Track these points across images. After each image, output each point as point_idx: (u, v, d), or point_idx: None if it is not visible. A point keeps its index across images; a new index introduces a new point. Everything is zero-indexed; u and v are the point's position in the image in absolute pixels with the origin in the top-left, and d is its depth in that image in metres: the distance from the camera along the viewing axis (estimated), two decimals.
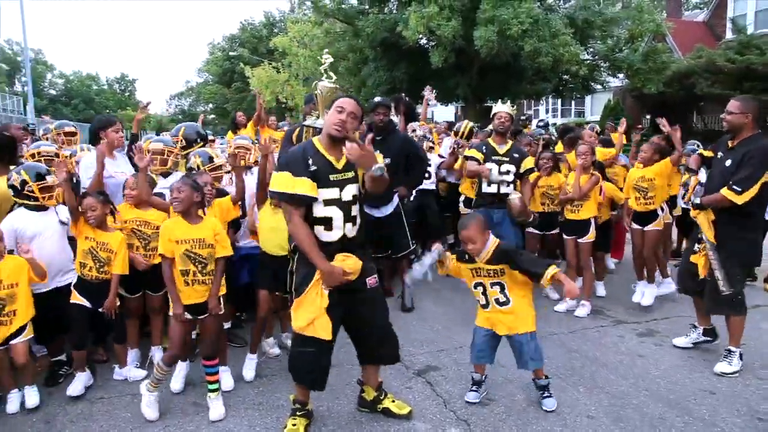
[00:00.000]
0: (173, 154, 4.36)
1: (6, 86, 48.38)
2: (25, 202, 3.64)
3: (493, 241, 3.25)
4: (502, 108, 5.12)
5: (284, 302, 3.79)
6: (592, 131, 7.70)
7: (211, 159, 4.21)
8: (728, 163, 3.77)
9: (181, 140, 4.66)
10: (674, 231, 6.53)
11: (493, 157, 5.03)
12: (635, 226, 5.13)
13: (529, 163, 5.15)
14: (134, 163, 4.27)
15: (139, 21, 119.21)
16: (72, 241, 3.74)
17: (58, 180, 3.51)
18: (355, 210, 2.97)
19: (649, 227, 5.03)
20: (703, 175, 4.19)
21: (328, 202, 2.89)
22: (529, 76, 17.23)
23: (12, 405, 3.40)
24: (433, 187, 6.21)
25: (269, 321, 4.07)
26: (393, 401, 3.29)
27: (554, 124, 15.29)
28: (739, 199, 3.62)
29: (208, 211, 3.68)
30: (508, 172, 5.03)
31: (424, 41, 16.62)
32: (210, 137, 7.03)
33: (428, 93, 7.56)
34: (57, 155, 4.42)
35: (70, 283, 3.65)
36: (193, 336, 3.91)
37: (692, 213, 4.02)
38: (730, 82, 15.47)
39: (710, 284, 3.84)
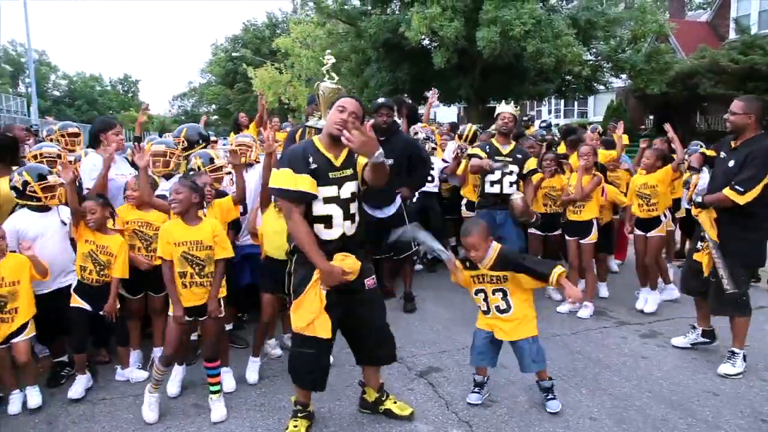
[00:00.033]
0: (175, 156, 4.35)
1: (10, 87, 48.59)
2: (28, 203, 3.64)
3: (495, 248, 3.24)
4: (505, 109, 5.12)
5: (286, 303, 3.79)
6: (594, 132, 7.69)
7: (211, 160, 4.21)
8: (731, 163, 3.76)
9: (183, 141, 4.66)
10: (677, 232, 6.52)
11: (497, 158, 5.02)
12: (638, 232, 5.11)
13: (532, 164, 5.14)
14: (134, 163, 4.28)
15: (142, 22, 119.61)
16: (73, 242, 3.74)
17: (64, 181, 3.51)
18: (353, 208, 2.97)
19: (652, 233, 5.02)
20: (705, 174, 4.18)
21: (327, 200, 2.89)
22: (532, 76, 17.21)
23: (14, 406, 3.41)
24: (436, 189, 6.20)
25: (272, 323, 4.06)
26: (395, 402, 3.28)
27: (557, 125, 15.27)
28: (742, 200, 3.61)
29: (208, 211, 3.68)
30: (511, 173, 5.02)
31: (426, 42, 16.62)
32: (212, 138, 7.03)
33: (432, 96, 7.57)
34: (59, 156, 4.41)
35: (72, 285, 3.65)
36: (194, 338, 3.91)
37: (694, 212, 4.01)
38: (734, 83, 15.44)
39: (715, 284, 3.82)
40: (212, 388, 3.36)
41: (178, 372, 3.62)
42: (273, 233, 3.67)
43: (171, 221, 3.42)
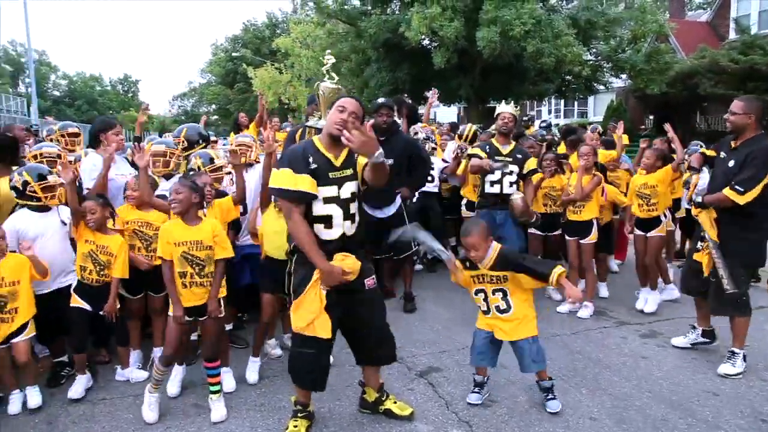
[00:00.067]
0: (175, 156, 4.35)
1: (10, 87, 48.60)
2: (28, 203, 3.64)
3: (495, 247, 3.24)
4: (505, 109, 5.11)
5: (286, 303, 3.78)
6: (594, 132, 7.69)
7: (211, 160, 4.20)
8: (731, 163, 3.76)
9: (183, 141, 4.66)
10: (677, 232, 6.52)
11: (497, 157, 5.02)
12: (638, 232, 5.11)
13: (532, 164, 5.14)
14: (134, 163, 4.28)
15: (142, 22, 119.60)
16: (74, 242, 3.74)
17: (65, 181, 3.51)
18: (353, 207, 2.97)
19: (652, 233, 5.02)
20: (705, 174, 4.18)
21: (327, 200, 2.89)
22: (532, 76, 17.21)
23: (14, 406, 3.41)
24: (437, 189, 6.21)
25: (272, 323, 4.06)
26: (395, 402, 3.28)
27: (557, 125, 15.27)
28: (742, 200, 3.61)
29: (208, 211, 3.68)
30: (511, 173, 5.02)
31: (426, 42, 16.62)
32: (212, 138, 7.03)
33: (432, 96, 7.57)
34: (59, 156, 4.41)
35: (72, 285, 3.65)
36: (195, 338, 3.91)
37: (694, 211, 4.01)
38: (734, 83, 15.45)
39: (715, 284, 3.82)
40: (212, 388, 3.35)
41: (178, 372, 3.62)
42: (273, 233, 3.67)
43: (171, 221, 3.42)
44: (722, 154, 3.92)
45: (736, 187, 3.63)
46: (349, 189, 2.93)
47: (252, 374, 3.74)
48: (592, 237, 5.06)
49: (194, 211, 3.33)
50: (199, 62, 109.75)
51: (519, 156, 5.08)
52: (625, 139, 7.94)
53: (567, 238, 5.24)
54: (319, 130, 3.71)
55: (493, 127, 5.49)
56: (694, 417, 3.26)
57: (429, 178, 5.87)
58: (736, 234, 3.75)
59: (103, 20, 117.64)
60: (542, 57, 14.16)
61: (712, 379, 3.74)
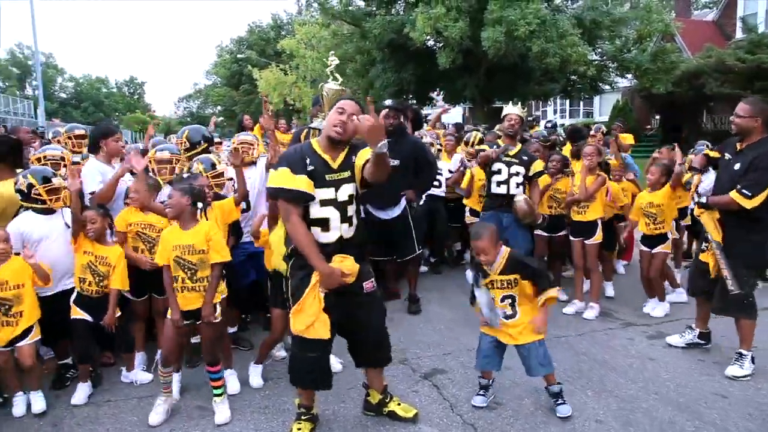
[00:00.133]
0: (180, 162, 4.34)
1: (17, 90, 48.93)
2: (33, 205, 3.65)
3: (504, 251, 3.24)
4: (512, 110, 5.08)
5: None
6: (598, 132, 7.65)
7: (213, 166, 4.15)
8: (737, 166, 3.73)
9: (185, 142, 4.65)
10: (684, 232, 6.47)
11: (503, 158, 5.00)
12: (643, 248, 5.03)
13: (538, 166, 5.10)
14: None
15: (148, 24, 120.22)
16: None
17: (71, 190, 3.50)
18: (351, 210, 2.94)
19: (658, 249, 4.94)
20: (711, 174, 4.14)
21: (324, 203, 2.87)
22: (537, 76, 17.17)
23: (18, 408, 3.41)
24: (443, 194, 6.22)
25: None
26: (399, 404, 3.27)
27: (562, 125, 15.22)
28: (749, 204, 3.59)
29: (208, 214, 3.64)
30: (517, 174, 5.00)
31: (431, 42, 16.61)
32: (217, 139, 7.03)
33: (443, 109, 7.59)
34: (63, 159, 4.43)
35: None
36: (197, 340, 3.90)
37: (696, 211, 3.98)
38: (741, 82, 15.36)
39: (720, 284, 3.80)
40: (215, 392, 3.35)
41: (175, 377, 3.61)
42: (282, 249, 3.65)
43: (171, 226, 3.43)
44: (727, 156, 3.89)
45: (744, 191, 3.60)
46: (346, 191, 2.91)
47: (255, 379, 3.72)
48: (597, 237, 5.03)
49: (188, 214, 3.30)
50: (204, 64, 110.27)
51: (525, 158, 5.05)
52: (631, 139, 7.91)
53: (571, 238, 5.21)
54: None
55: (498, 127, 5.47)
56: (701, 420, 3.23)
57: (436, 183, 5.87)
58: (741, 236, 3.73)
59: (109, 23, 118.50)
60: (547, 57, 14.12)
61: (720, 381, 3.70)
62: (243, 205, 4.21)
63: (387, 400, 3.26)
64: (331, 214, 2.87)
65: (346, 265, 2.87)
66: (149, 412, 3.31)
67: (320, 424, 3.19)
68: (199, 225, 3.33)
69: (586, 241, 5.06)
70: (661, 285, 5.12)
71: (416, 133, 6.22)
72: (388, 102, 5.16)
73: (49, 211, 3.68)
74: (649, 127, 20.34)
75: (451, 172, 6.31)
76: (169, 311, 3.31)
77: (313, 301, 2.83)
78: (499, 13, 13.73)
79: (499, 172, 4.99)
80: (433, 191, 5.86)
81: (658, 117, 20.42)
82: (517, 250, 3.52)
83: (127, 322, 3.82)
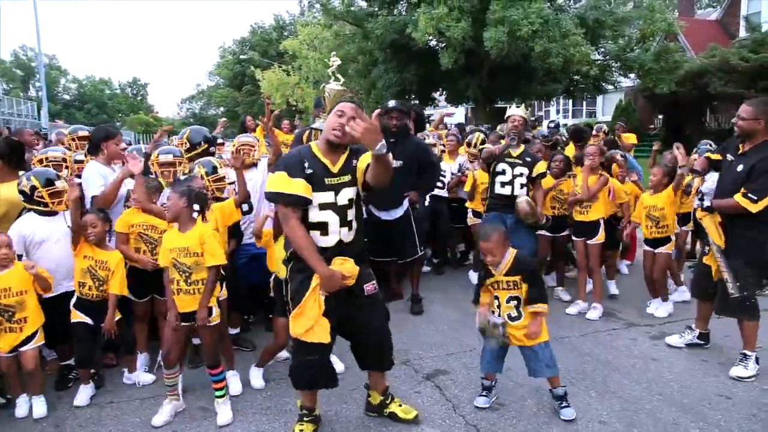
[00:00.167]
0: (183, 164, 4.33)
1: (21, 92, 49.13)
2: (35, 207, 3.65)
3: (511, 253, 3.23)
4: (516, 112, 5.05)
5: None
6: (599, 132, 7.62)
7: (215, 169, 4.14)
8: (740, 168, 3.71)
9: (185, 143, 4.65)
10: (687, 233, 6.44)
11: (507, 159, 4.98)
12: (646, 248, 5.02)
13: (541, 167, 5.08)
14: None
15: (151, 25, 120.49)
16: None
17: (69, 199, 3.49)
18: (351, 214, 2.92)
19: (660, 249, 4.91)
20: (714, 175, 4.12)
21: (323, 207, 2.85)
22: (540, 76, 17.13)
23: (21, 409, 3.42)
24: (446, 194, 6.23)
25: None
26: (399, 406, 3.25)
27: (565, 125, 15.19)
28: (755, 208, 3.58)
29: (208, 215, 3.64)
30: (521, 175, 4.99)
31: (433, 43, 16.60)
32: (219, 140, 7.04)
33: (445, 112, 7.55)
34: (64, 160, 4.43)
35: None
36: (197, 341, 3.89)
37: (698, 214, 3.96)
38: (744, 81, 15.31)
39: (721, 286, 3.79)
40: (217, 393, 3.35)
41: None
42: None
43: (172, 229, 3.43)
44: (729, 157, 3.87)
45: (750, 195, 3.58)
46: (346, 195, 2.89)
47: (256, 381, 3.71)
48: (600, 237, 5.01)
49: (186, 217, 3.29)
50: (207, 65, 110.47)
51: (528, 159, 5.03)
52: (634, 139, 7.89)
53: (574, 238, 5.19)
54: None
55: (500, 127, 5.46)
56: (705, 421, 3.21)
57: (439, 183, 5.86)
58: (741, 235, 3.71)
59: (112, 24, 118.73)
60: (550, 57, 14.09)
61: (724, 382, 3.68)
62: (245, 207, 4.21)
63: (387, 402, 3.25)
64: (330, 218, 2.86)
65: (346, 267, 2.85)
66: (152, 414, 3.32)
67: (323, 424, 3.18)
68: (195, 228, 3.31)
69: (588, 241, 5.05)
70: (665, 285, 5.10)
71: (419, 134, 6.22)
72: (392, 103, 5.14)
73: (51, 213, 3.68)
74: (652, 126, 20.27)
75: (453, 173, 6.30)
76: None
77: (313, 304, 2.82)
78: (502, 13, 13.71)
79: (503, 172, 4.98)
80: (436, 192, 5.86)
81: (661, 117, 20.36)
82: (520, 250, 3.50)
83: (127, 324, 3.82)
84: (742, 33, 19.06)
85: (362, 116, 2.63)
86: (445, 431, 3.16)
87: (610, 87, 18.91)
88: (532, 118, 11.47)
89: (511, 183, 4.96)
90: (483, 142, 6.52)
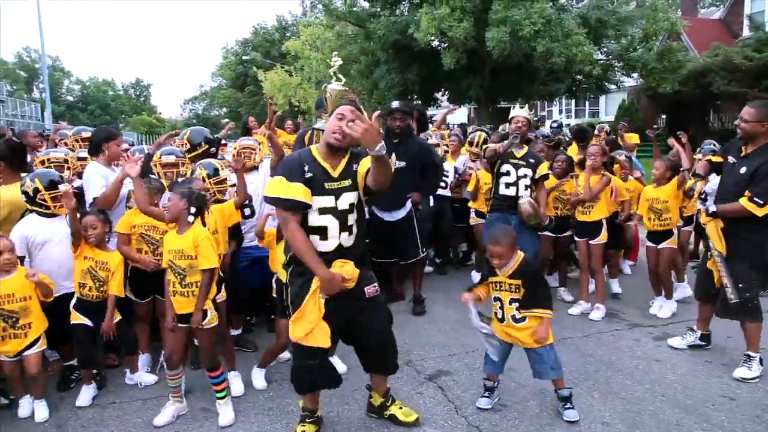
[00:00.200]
0: (185, 165, 4.33)
1: (24, 93, 49.26)
2: (37, 209, 3.66)
3: (518, 256, 3.22)
4: (519, 112, 5.04)
5: None
6: (602, 131, 7.59)
7: (216, 171, 4.11)
8: (743, 170, 3.69)
9: (186, 144, 4.65)
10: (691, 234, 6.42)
11: (510, 160, 4.97)
12: (649, 243, 5.00)
13: (544, 168, 5.07)
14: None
15: (154, 27, 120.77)
16: None
17: (67, 208, 3.47)
18: (351, 219, 2.91)
19: (664, 244, 4.90)
20: (717, 178, 4.10)
21: (323, 211, 2.84)
22: (542, 76, 17.10)
23: (23, 409, 3.42)
24: (449, 194, 6.22)
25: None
26: (400, 408, 3.24)
27: (568, 125, 15.16)
28: (761, 212, 3.56)
29: (207, 217, 3.63)
30: (525, 176, 4.98)
31: (435, 43, 16.57)
32: (222, 142, 7.03)
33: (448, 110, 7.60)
34: (66, 161, 4.44)
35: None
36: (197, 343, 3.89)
37: (702, 220, 3.94)
38: (748, 80, 15.27)
39: (723, 290, 3.78)
40: (218, 395, 3.35)
41: None
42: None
43: (172, 229, 3.43)
44: (731, 159, 3.85)
45: (756, 199, 3.56)
46: (347, 200, 2.88)
47: (258, 381, 3.71)
48: (602, 237, 5.00)
49: (184, 218, 3.27)
50: (210, 66, 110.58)
51: (532, 160, 5.02)
52: (636, 139, 7.87)
53: (576, 239, 5.18)
54: None
55: (502, 127, 5.44)
56: (709, 422, 3.19)
57: (442, 183, 5.85)
58: (748, 239, 3.70)
59: (115, 25, 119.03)
60: (552, 57, 14.05)
61: (727, 383, 3.67)
62: (247, 211, 4.20)
63: (388, 404, 3.24)
64: (330, 222, 2.84)
65: (346, 270, 2.84)
66: (154, 414, 3.32)
67: (324, 425, 3.18)
68: (191, 230, 3.29)
69: (590, 242, 5.04)
70: (670, 280, 5.08)
71: (422, 134, 6.22)
72: (395, 104, 5.14)
73: (53, 214, 3.69)
74: (655, 126, 20.19)
75: (456, 173, 6.29)
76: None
77: (313, 307, 2.81)
78: (504, 13, 13.68)
79: (507, 173, 4.97)
80: (439, 191, 5.84)
81: (664, 116, 20.31)
82: (526, 254, 3.49)
83: (128, 325, 3.82)
84: (746, 32, 19.01)
85: (362, 117, 2.62)
86: None
87: (613, 87, 18.85)
88: (535, 119, 11.44)
89: (515, 184, 4.95)
90: (485, 141, 6.51)
